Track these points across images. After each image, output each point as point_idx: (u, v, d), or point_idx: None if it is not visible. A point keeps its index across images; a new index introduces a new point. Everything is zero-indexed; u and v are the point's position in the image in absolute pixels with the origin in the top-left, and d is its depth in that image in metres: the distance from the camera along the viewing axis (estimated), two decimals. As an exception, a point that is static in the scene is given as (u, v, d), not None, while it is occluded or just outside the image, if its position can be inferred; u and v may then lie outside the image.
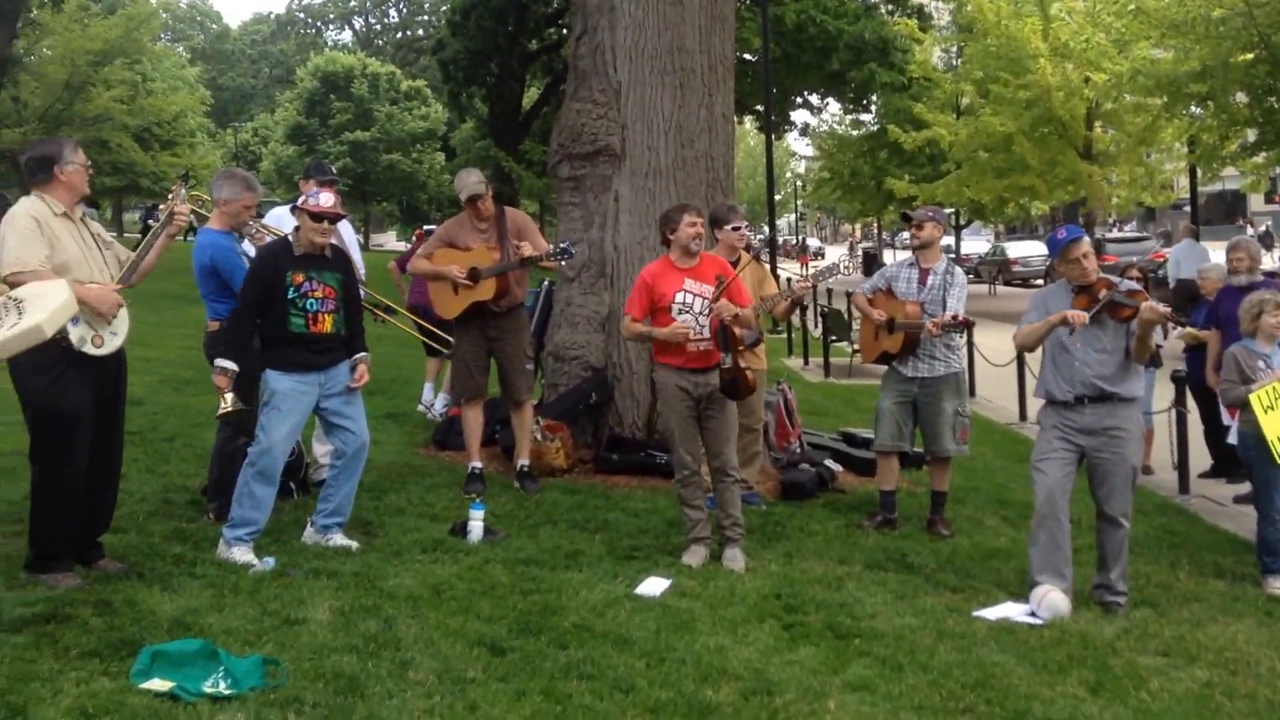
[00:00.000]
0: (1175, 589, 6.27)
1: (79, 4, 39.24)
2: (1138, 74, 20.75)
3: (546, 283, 9.87)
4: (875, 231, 61.86)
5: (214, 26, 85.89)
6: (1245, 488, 7.92)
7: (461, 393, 7.97)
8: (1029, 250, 39.33)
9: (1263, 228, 43.73)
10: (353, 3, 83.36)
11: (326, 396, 6.19)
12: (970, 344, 12.88)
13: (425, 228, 14.81)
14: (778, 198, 41.08)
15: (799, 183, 73.55)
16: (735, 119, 12.71)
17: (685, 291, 6.39)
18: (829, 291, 20.62)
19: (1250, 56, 18.17)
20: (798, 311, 12.72)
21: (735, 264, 7.54)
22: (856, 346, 10.38)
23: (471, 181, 7.76)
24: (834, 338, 17.57)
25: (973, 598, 5.98)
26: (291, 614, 5.14)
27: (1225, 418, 8.00)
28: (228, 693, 4.25)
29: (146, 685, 4.28)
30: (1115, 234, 43.76)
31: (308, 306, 6.08)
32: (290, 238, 6.23)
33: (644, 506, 7.50)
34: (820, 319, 18.71)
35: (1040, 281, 33.96)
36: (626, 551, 6.52)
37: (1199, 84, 19.09)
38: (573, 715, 4.23)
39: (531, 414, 8.09)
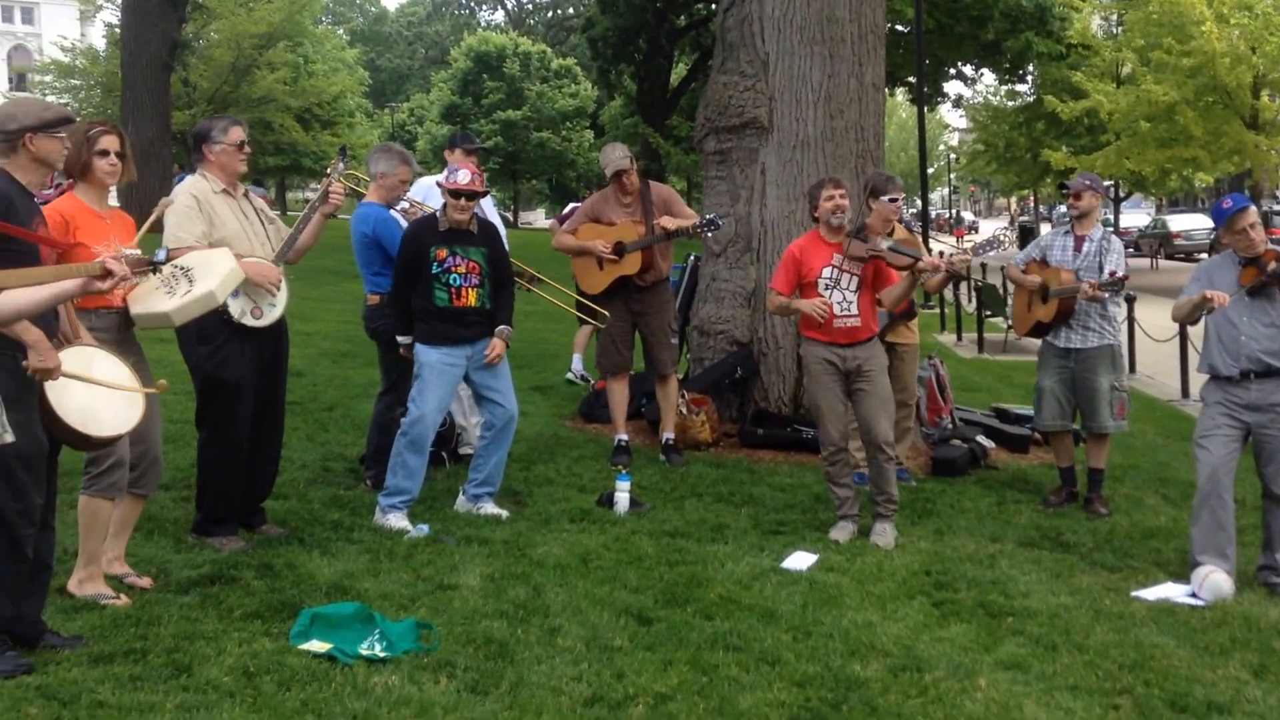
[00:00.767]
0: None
1: (244, -12, 40.63)
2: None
3: (692, 257, 9.86)
4: (1031, 205, 60.18)
5: (372, 9, 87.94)
6: None
7: (606, 367, 8.03)
8: (1191, 223, 37.76)
9: None
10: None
11: (475, 369, 6.31)
12: (1130, 319, 12.46)
13: (570, 206, 14.90)
14: (930, 171, 40.23)
15: (952, 156, 71.96)
16: (886, 91, 12.47)
17: (833, 266, 6.31)
18: (983, 266, 20.15)
19: None
20: (949, 286, 12.47)
21: (889, 236, 7.44)
22: (1011, 321, 10.14)
23: (616, 156, 7.78)
24: (988, 313, 17.17)
25: (1131, 578, 5.80)
26: (444, 580, 5.27)
27: None
28: (383, 655, 4.37)
29: (305, 646, 4.43)
30: (1283, 206, 41.77)
31: (451, 281, 6.20)
32: (438, 214, 6.35)
33: (790, 481, 7.46)
34: (974, 293, 18.32)
35: (1204, 256, 32.61)
36: (772, 526, 6.50)
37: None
38: (719, 686, 4.24)
39: (676, 388, 8.10)
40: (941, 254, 6.92)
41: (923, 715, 4.10)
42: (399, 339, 6.38)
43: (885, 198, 7.12)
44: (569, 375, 11.04)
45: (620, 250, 7.64)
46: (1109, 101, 27.25)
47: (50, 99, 40.23)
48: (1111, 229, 36.81)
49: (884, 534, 6.24)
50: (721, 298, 8.84)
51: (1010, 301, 10.95)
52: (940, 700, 4.22)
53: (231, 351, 5.55)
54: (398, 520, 6.08)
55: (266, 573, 5.27)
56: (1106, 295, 6.94)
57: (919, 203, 23.38)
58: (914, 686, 4.33)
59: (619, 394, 7.98)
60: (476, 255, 6.28)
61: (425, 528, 6.04)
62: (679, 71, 38.48)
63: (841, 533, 6.31)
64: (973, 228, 60.62)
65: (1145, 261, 34.83)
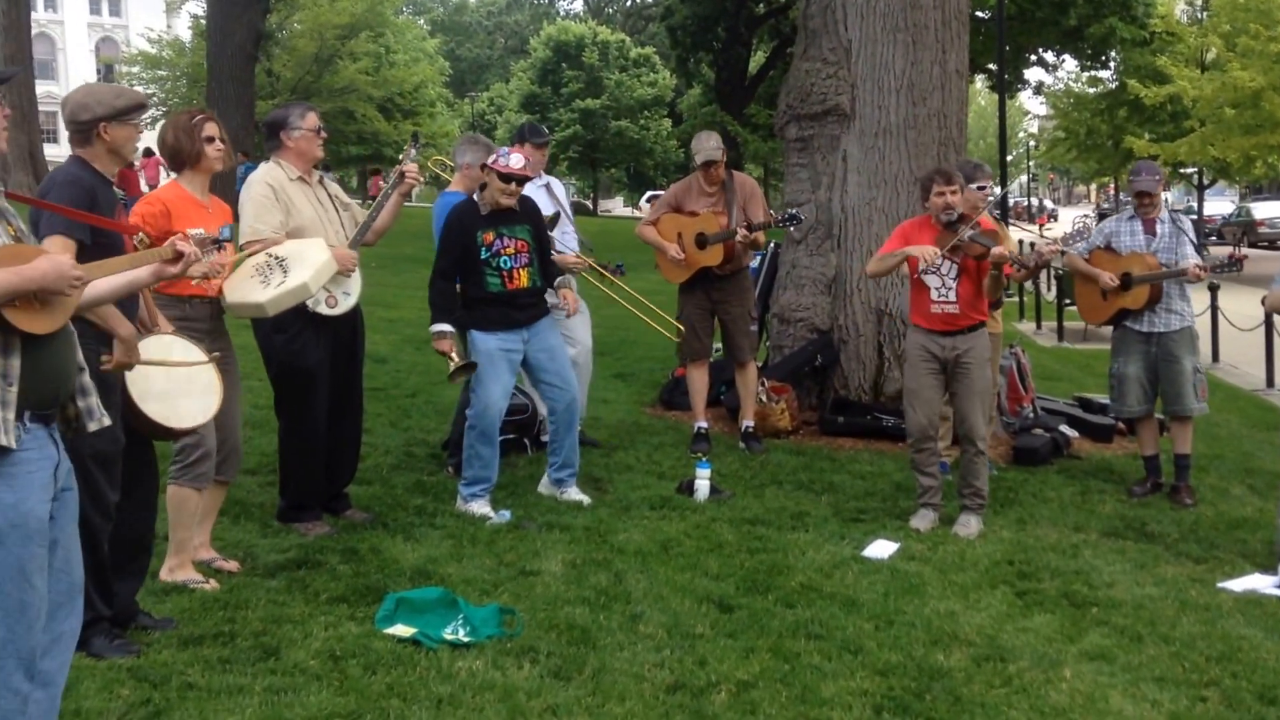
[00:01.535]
0: None
1: (327, -21, 41.13)
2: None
3: (773, 244, 9.82)
4: (1111, 192, 59.03)
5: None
6: None
7: (686, 354, 8.03)
8: (1276, 211, 36.73)
9: None
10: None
11: (532, 352, 6.30)
12: (1214, 307, 12.21)
13: (649, 194, 14.88)
14: (1009, 158, 39.67)
15: (1031, 143, 70.78)
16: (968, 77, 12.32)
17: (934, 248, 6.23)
18: (1062, 254, 19.80)
19: None
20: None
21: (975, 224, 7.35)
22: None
23: (710, 146, 7.72)
24: (1068, 301, 16.88)
25: (1217, 569, 5.70)
26: (526, 565, 5.32)
27: None
28: (466, 640, 4.42)
29: (390, 631, 4.49)
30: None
31: (502, 264, 6.15)
32: (475, 197, 6.29)
33: (870, 469, 7.42)
34: (1054, 281, 18.04)
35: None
36: (853, 514, 6.47)
37: None
38: (801, 674, 4.25)
39: (755, 375, 8.09)
40: (1033, 245, 6.80)
41: (1007, 706, 4.07)
42: (435, 328, 6.14)
43: (974, 185, 7.04)
44: None
45: (702, 242, 7.63)
46: (1193, 87, 26.65)
47: (137, 90, 41.22)
48: (1195, 218, 36.09)
49: (967, 525, 6.19)
50: (802, 285, 8.80)
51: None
52: (1025, 691, 4.19)
53: (307, 340, 5.57)
54: (480, 507, 6.14)
55: (351, 557, 5.35)
56: (1220, 276, 6.75)
57: (998, 191, 23.04)
58: (998, 676, 4.30)
59: (699, 381, 7.98)
60: (523, 233, 6.22)
61: (507, 514, 6.10)
62: (757, 59, 38.27)
63: (922, 521, 6.27)
64: (1051, 216, 59.55)
65: (1228, 249, 34.02)
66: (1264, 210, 37.93)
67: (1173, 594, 5.28)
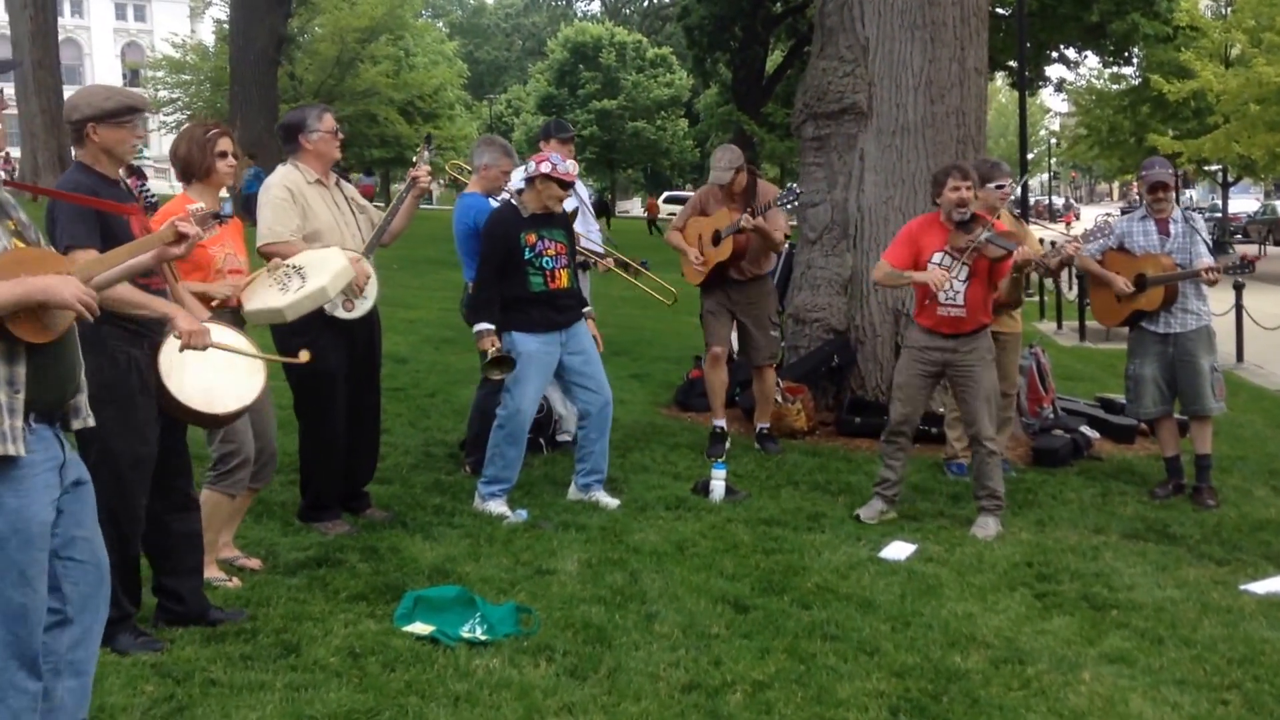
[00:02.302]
0: None
1: (347, -17, 41.28)
2: None
3: (788, 245, 9.79)
4: (1135, 190, 58.72)
5: (471, 1, 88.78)
6: None
7: (708, 344, 7.99)
8: (1302, 209, 36.54)
9: None
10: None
11: (568, 355, 6.33)
12: (1239, 306, 12.13)
13: (666, 194, 14.90)
14: (1030, 156, 39.48)
15: (1052, 140, 70.44)
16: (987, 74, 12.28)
17: (944, 253, 6.20)
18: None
19: None
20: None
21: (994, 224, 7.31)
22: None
23: (721, 166, 7.63)
24: (1089, 301, 16.78)
25: (1240, 570, 5.66)
26: (542, 565, 5.33)
27: None
28: (484, 638, 4.44)
29: (409, 628, 4.52)
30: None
31: (544, 264, 6.22)
32: (514, 200, 6.36)
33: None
34: (1075, 281, 17.94)
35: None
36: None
37: None
38: (817, 675, 4.23)
39: (773, 379, 8.07)
40: (1054, 244, 6.76)
41: (1025, 708, 4.05)
42: (478, 328, 6.23)
43: (992, 185, 6.99)
44: None
45: (716, 238, 7.63)
46: (1218, 83, 26.46)
47: (162, 94, 41.53)
48: (1220, 215, 35.77)
49: (985, 526, 6.16)
50: (817, 285, 8.79)
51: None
52: (1043, 693, 4.16)
53: (325, 343, 5.57)
54: (497, 506, 6.16)
55: (371, 556, 5.38)
56: (1234, 277, 6.72)
57: (1018, 190, 22.92)
58: (1016, 679, 4.27)
59: (717, 381, 7.92)
60: (560, 236, 6.32)
61: (524, 513, 6.11)
62: (775, 58, 38.18)
63: (869, 510, 6.31)
64: (1075, 215, 59.29)
65: (1253, 247, 33.78)
66: (1290, 207, 37.74)
67: (1194, 596, 5.24)
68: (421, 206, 6.13)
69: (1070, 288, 18.83)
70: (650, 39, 64.61)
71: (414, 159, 6.10)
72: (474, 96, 68.05)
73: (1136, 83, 35.24)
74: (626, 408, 8.88)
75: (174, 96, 42.51)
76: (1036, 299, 19.89)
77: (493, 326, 6.21)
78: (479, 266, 6.38)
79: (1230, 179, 40.60)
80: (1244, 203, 46.21)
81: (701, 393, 8.37)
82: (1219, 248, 24.69)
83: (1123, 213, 39.19)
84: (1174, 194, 7.27)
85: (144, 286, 4.11)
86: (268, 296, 5.13)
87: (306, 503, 5.89)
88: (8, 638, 3.06)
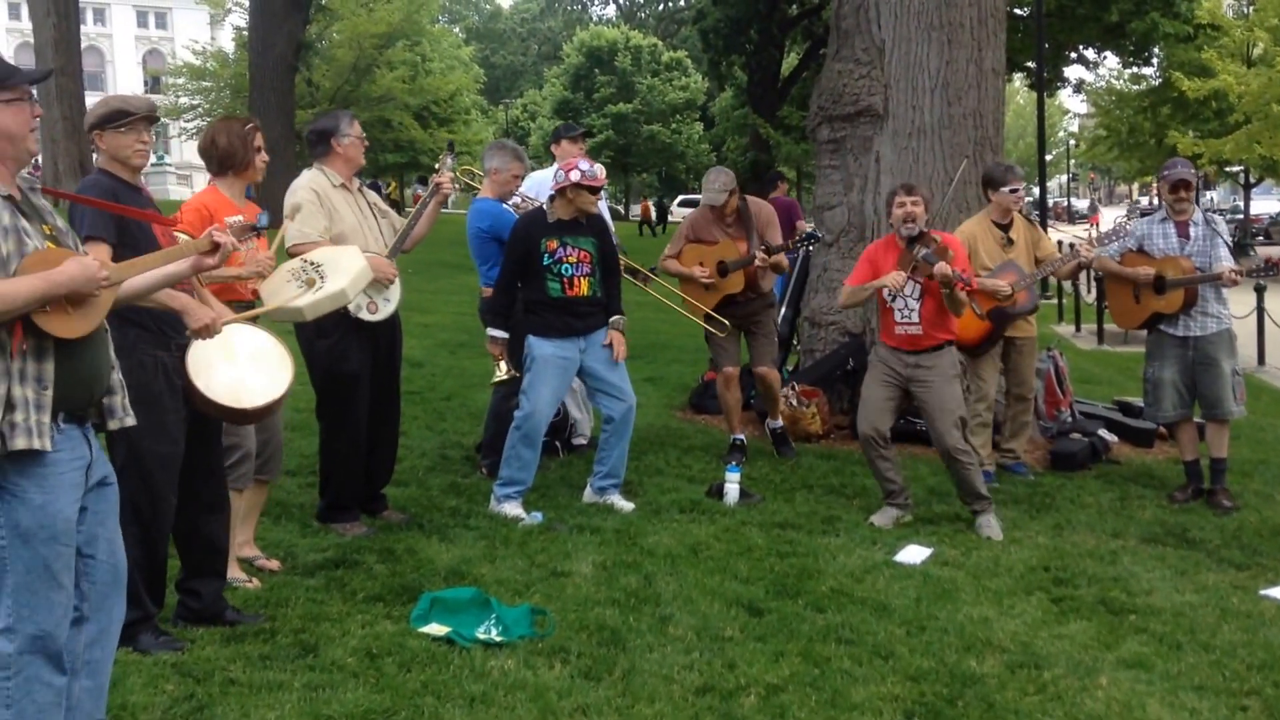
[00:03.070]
0: None
1: (365, -11, 41.45)
2: None
3: (806, 248, 9.76)
4: (1154, 191, 58.46)
5: (487, 6, 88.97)
6: None
7: (718, 363, 7.96)
8: (1326, 210, 36.27)
9: None
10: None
11: (590, 361, 6.34)
12: (1260, 309, 12.05)
13: (680, 198, 14.90)
14: (1048, 158, 39.33)
15: (1072, 141, 70.17)
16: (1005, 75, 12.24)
17: (900, 270, 6.19)
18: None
19: None
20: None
21: (1008, 227, 7.28)
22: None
23: (714, 189, 7.56)
24: (1107, 304, 16.72)
25: (1260, 575, 5.62)
26: (558, 567, 5.34)
27: None
28: (499, 640, 4.45)
29: (425, 629, 4.54)
30: None
31: (563, 271, 6.22)
32: (545, 206, 6.38)
33: (903, 473, 7.35)
34: (1094, 283, 17.88)
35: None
36: (886, 518, 6.43)
37: None
38: (831, 679, 4.22)
39: (777, 378, 7.99)
40: (1071, 246, 6.73)
41: (1041, 713, 4.03)
42: (492, 332, 6.36)
43: (1005, 189, 6.96)
44: None
45: (724, 270, 7.56)
46: (1239, 82, 26.30)
47: (182, 101, 41.82)
48: (1242, 217, 35.54)
49: (987, 526, 6.17)
50: (834, 288, 8.75)
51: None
52: (1060, 698, 4.14)
53: (349, 345, 5.69)
54: (512, 508, 6.17)
55: (388, 557, 5.40)
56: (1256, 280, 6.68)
57: (1036, 191, 22.83)
58: (1032, 684, 4.25)
59: (731, 398, 7.82)
60: (586, 244, 6.30)
61: (539, 515, 6.12)
62: (790, 61, 38.10)
63: (882, 517, 6.32)
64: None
65: (1276, 249, 33.57)
66: (1314, 209, 37.47)
67: (1213, 601, 5.21)
68: (437, 211, 6.18)
69: (1089, 291, 18.75)
70: (665, 42, 64.62)
71: (437, 166, 6.15)
72: (490, 101, 68.18)
73: (1157, 83, 35.08)
74: (641, 411, 8.80)
75: (194, 103, 42.72)
76: (1056, 302, 19.81)
77: (505, 335, 6.28)
78: (501, 270, 6.41)
79: (1252, 180, 40.38)
80: (1266, 204, 45.94)
81: (715, 395, 8.34)
82: (1240, 249, 24.58)
83: (1141, 214, 39.12)
84: (1195, 195, 7.18)
85: None
86: (287, 296, 5.18)
87: (325, 504, 5.94)
88: (34, 631, 3.09)
